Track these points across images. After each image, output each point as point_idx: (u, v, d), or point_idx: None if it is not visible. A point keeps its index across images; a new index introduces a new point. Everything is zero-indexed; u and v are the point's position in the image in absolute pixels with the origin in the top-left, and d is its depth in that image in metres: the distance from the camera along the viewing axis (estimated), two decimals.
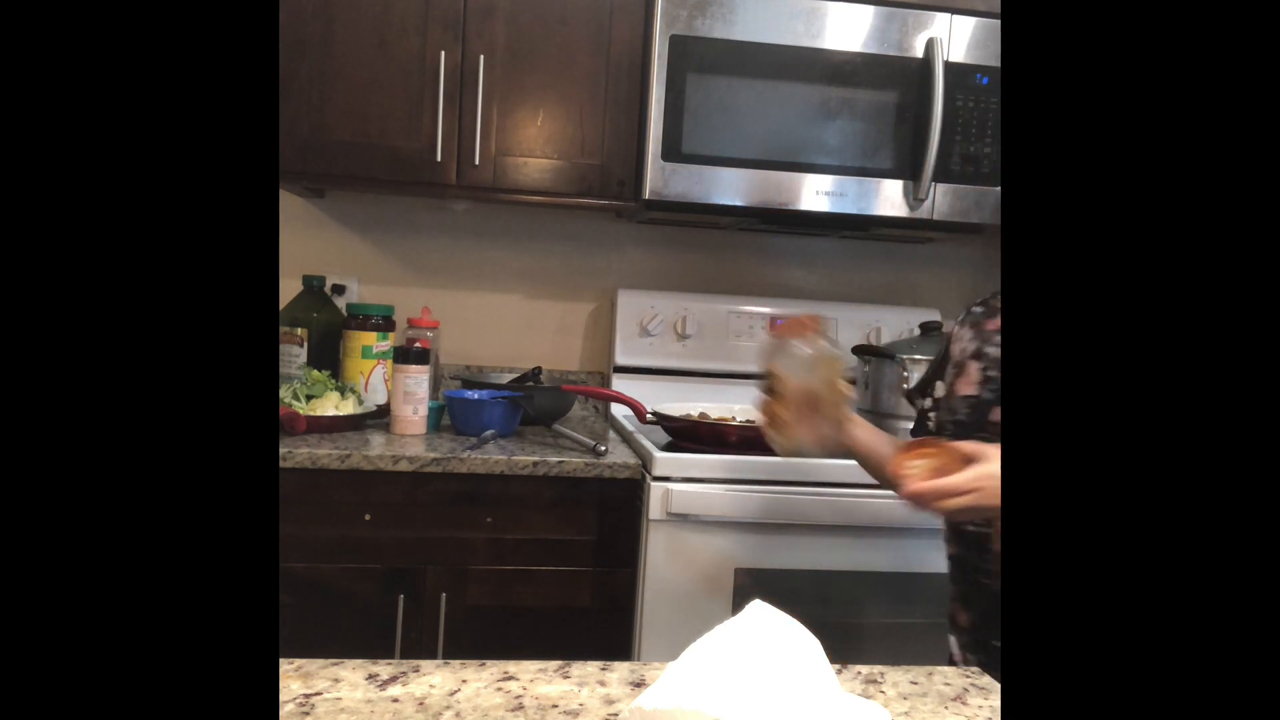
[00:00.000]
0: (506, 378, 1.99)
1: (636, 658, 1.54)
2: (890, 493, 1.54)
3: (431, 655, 1.54)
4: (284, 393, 1.67)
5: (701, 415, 1.78)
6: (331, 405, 1.67)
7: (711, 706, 0.58)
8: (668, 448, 1.58)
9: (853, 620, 1.56)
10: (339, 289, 2.01)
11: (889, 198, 1.77)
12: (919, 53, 1.74)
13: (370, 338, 1.78)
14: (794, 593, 1.53)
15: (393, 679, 0.73)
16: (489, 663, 0.78)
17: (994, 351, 1.12)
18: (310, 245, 2.05)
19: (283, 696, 0.69)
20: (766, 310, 2.09)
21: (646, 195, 1.72)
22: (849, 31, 1.73)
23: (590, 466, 1.55)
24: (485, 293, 2.10)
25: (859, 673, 0.80)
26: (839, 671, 0.79)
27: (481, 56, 1.72)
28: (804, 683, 0.62)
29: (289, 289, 1.95)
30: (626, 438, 1.78)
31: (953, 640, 1.16)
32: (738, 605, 1.51)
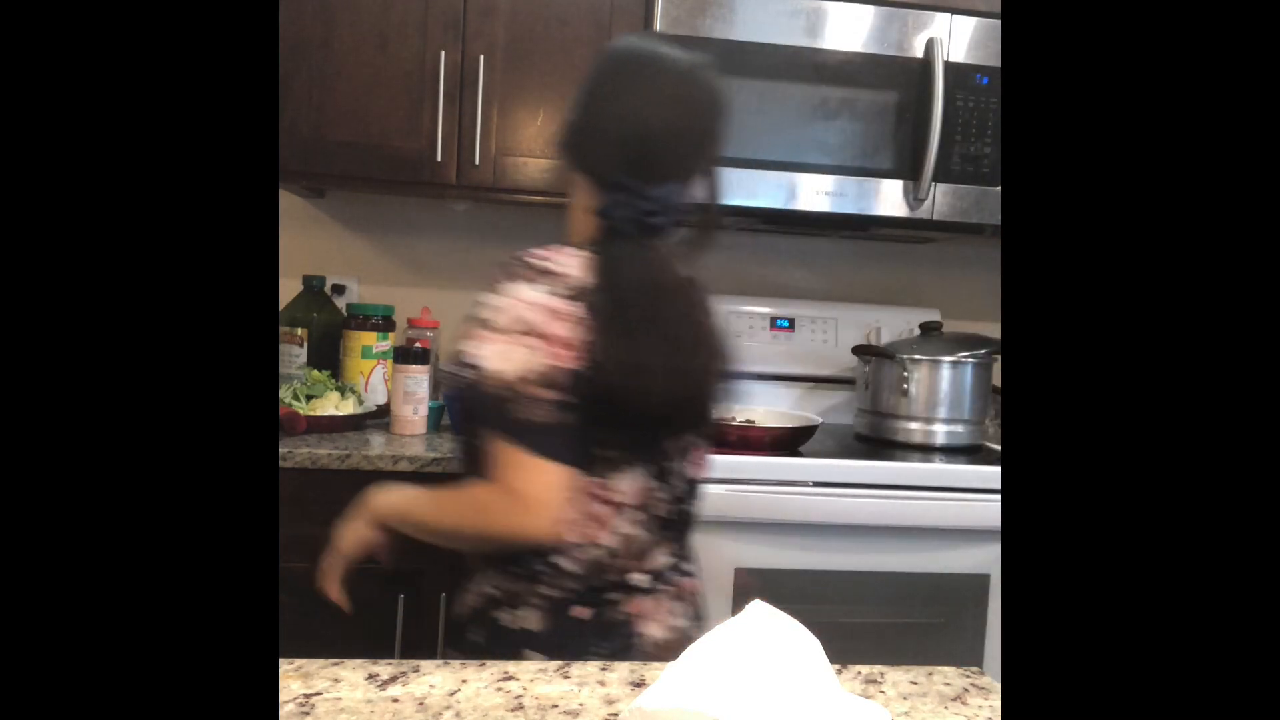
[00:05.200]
0: None
1: None
2: (890, 493, 1.55)
3: (431, 655, 1.54)
4: (284, 393, 1.67)
5: None
6: (331, 405, 1.67)
7: (712, 707, 0.58)
8: None
9: (853, 620, 1.56)
10: (339, 289, 2.01)
11: (889, 198, 1.77)
12: (919, 53, 1.74)
13: (370, 338, 1.78)
14: (794, 593, 1.53)
15: (393, 679, 0.74)
16: (489, 663, 0.78)
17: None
18: (310, 245, 2.05)
19: (283, 696, 0.69)
20: (767, 310, 2.09)
21: None
22: (849, 31, 1.73)
23: None
24: (485, 293, 2.09)
25: (859, 673, 0.80)
26: (839, 671, 0.79)
27: (481, 56, 1.72)
28: (804, 683, 0.62)
29: (289, 289, 1.95)
30: None
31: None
32: (738, 605, 1.51)
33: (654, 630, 0.99)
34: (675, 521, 1.02)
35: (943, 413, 1.79)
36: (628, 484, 0.97)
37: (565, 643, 0.96)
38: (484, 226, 2.10)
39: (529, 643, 0.97)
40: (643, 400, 0.93)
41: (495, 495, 0.93)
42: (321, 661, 0.76)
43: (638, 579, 1.00)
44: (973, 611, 1.58)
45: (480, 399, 0.93)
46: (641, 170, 0.96)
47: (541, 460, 0.91)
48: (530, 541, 0.94)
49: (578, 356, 0.92)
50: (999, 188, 1.78)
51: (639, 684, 0.75)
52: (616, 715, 0.70)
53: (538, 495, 0.92)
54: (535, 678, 0.75)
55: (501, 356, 0.92)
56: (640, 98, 0.97)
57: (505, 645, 0.98)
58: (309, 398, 1.67)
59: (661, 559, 1.01)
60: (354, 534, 1.10)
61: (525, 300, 0.94)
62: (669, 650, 0.98)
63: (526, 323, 0.93)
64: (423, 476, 1.53)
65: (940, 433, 1.79)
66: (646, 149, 0.96)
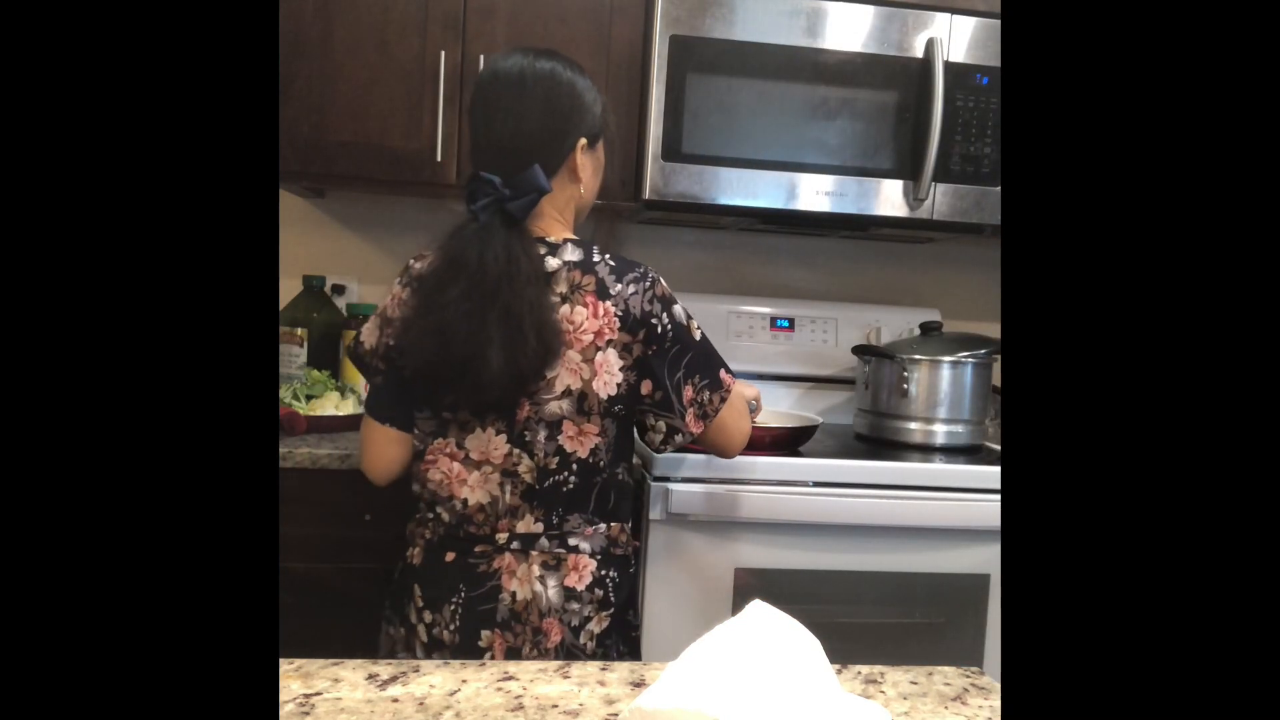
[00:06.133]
0: None
1: (637, 658, 1.54)
2: (890, 493, 1.55)
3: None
4: (284, 393, 1.67)
5: None
6: (331, 405, 1.67)
7: (711, 706, 0.58)
8: None
9: (853, 620, 1.56)
10: (339, 289, 2.01)
11: (889, 198, 1.77)
12: (919, 53, 1.74)
13: None
14: (794, 593, 1.53)
15: (393, 679, 0.74)
16: (489, 663, 0.78)
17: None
18: (310, 245, 2.05)
19: (283, 696, 0.69)
20: (767, 310, 2.09)
21: (646, 195, 1.72)
22: (849, 31, 1.73)
23: None
24: None
25: (859, 673, 0.80)
26: (839, 671, 0.79)
27: (481, 56, 1.72)
28: (804, 683, 0.62)
29: (289, 289, 1.95)
30: None
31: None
32: (738, 605, 1.51)
33: (516, 587, 1.11)
34: (542, 492, 1.12)
35: (943, 413, 1.79)
36: (480, 446, 1.12)
37: (438, 580, 1.13)
38: None
39: (414, 576, 1.15)
40: (446, 370, 1.07)
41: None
42: (321, 661, 0.76)
43: (501, 537, 1.12)
44: (973, 611, 1.58)
45: (358, 363, 1.21)
46: (494, 165, 1.11)
47: (369, 419, 1.19)
48: (371, 481, 1.23)
49: (396, 331, 1.13)
50: (999, 188, 1.78)
51: (639, 684, 0.75)
52: (616, 715, 0.70)
53: (367, 446, 1.20)
54: (535, 678, 0.76)
55: (367, 332, 1.19)
56: (484, 105, 1.14)
57: (404, 579, 1.17)
58: (309, 398, 1.67)
59: (529, 524, 1.12)
60: None
61: (392, 289, 1.19)
62: (527, 609, 1.11)
63: (382, 306, 1.18)
64: None
65: (940, 433, 1.79)
66: (491, 146, 1.13)
